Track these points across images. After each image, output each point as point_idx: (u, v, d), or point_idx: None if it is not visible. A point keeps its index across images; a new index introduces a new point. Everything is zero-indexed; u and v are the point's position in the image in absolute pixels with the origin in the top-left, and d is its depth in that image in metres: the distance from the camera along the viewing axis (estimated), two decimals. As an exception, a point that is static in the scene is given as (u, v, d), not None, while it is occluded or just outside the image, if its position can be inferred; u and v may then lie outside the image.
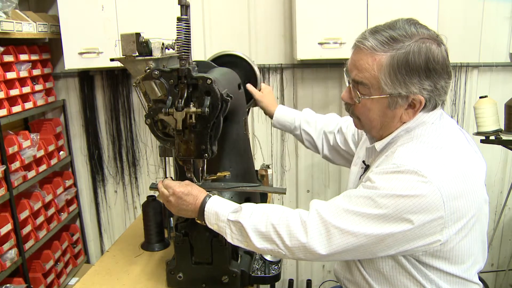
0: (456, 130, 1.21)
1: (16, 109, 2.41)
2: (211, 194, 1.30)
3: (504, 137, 2.28)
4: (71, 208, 2.96)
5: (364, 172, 1.33)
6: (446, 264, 1.14)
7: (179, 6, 1.19)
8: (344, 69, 1.24)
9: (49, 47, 2.79)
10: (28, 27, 2.39)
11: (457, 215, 1.07)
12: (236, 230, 1.22)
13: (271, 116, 1.83)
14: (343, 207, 1.11)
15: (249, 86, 1.79)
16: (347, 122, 1.68)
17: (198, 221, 1.29)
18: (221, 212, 1.24)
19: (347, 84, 1.24)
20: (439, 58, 1.11)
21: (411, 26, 1.12)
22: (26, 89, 2.50)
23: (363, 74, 1.15)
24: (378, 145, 1.23)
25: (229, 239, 1.24)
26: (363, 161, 1.35)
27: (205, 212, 1.25)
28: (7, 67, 2.37)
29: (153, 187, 1.42)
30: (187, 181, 1.32)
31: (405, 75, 1.10)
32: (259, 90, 1.83)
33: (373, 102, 1.17)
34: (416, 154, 1.10)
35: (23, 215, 2.40)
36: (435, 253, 1.12)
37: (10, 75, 2.36)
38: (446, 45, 1.15)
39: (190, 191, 1.28)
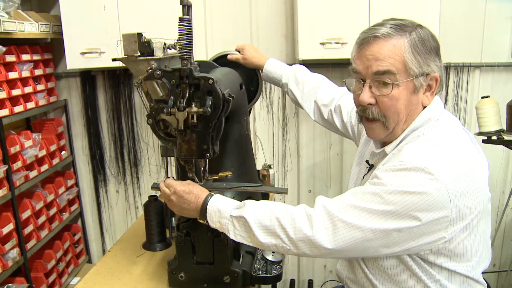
0: (460, 130, 1.22)
1: (18, 109, 2.41)
2: (213, 193, 1.30)
3: (506, 137, 2.27)
4: (72, 208, 2.97)
5: (368, 172, 1.33)
6: (452, 262, 1.14)
7: (181, 6, 1.19)
8: (353, 72, 1.22)
9: (51, 47, 2.79)
10: (30, 27, 2.40)
11: (463, 213, 1.07)
12: (240, 225, 1.22)
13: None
14: (349, 202, 1.11)
15: (230, 56, 1.76)
16: (345, 101, 1.64)
17: (200, 221, 1.29)
18: (224, 209, 1.24)
19: (362, 86, 1.20)
20: (436, 39, 1.19)
21: (402, 19, 1.19)
22: (28, 89, 2.50)
23: (387, 61, 1.14)
24: (389, 148, 1.23)
25: (232, 236, 1.23)
26: (367, 161, 1.35)
27: (207, 210, 1.25)
28: (9, 67, 2.37)
29: (155, 187, 1.42)
30: (188, 180, 1.33)
31: (425, 53, 1.16)
32: (259, 91, 1.83)
33: (400, 89, 1.16)
34: (422, 151, 1.11)
35: (25, 215, 2.40)
36: (440, 251, 1.12)
37: (12, 75, 2.37)
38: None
39: (191, 190, 1.28)
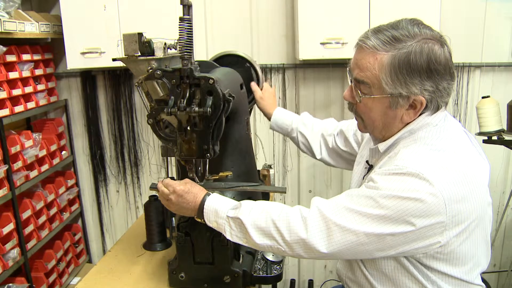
0: (460, 132, 1.20)
1: (19, 108, 2.41)
2: (210, 193, 1.30)
3: (507, 137, 2.27)
4: (73, 208, 2.97)
5: (367, 172, 1.33)
6: (447, 266, 1.14)
7: (181, 6, 1.20)
8: (347, 69, 1.24)
9: (51, 47, 2.79)
10: (31, 27, 2.40)
11: (459, 218, 1.06)
12: (236, 226, 1.22)
13: (269, 118, 1.84)
14: (344, 205, 1.11)
15: (253, 85, 1.81)
16: (347, 123, 1.69)
17: (198, 220, 1.29)
18: (221, 209, 1.24)
19: (350, 83, 1.24)
20: (441, 59, 1.10)
21: (414, 26, 1.12)
22: (29, 89, 2.50)
23: (364, 73, 1.15)
24: (382, 146, 1.23)
25: (228, 236, 1.24)
26: (367, 161, 1.35)
27: (204, 210, 1.26)
28: (10, 67, 2.38)
29: (153, 187, 1.42)
30: (186, 179, 1.33)
31: (406, 75, 1.10)
32: (261, 89, 1.83)
33: (374, 101, 1.17)
34: (419, 156, 1.10)
35: (25, 215, 2.40)
36: (436, 255, 1.12)
37: (13, 75, 2.37)
38: (450, 46, 1.15)
39: (190, 189, 1.28)
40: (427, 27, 1.14)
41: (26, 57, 2.48)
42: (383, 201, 1.06)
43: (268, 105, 1.83)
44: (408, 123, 1.18)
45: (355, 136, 1.63)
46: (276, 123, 1.82)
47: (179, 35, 1.20)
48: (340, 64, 2.62)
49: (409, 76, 1.10)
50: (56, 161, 2.75)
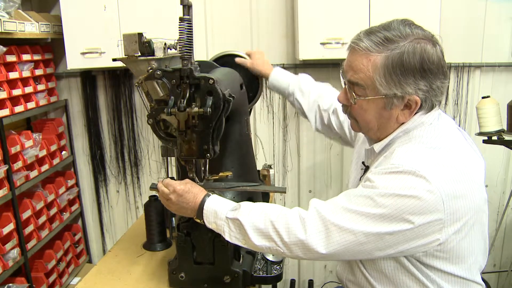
0: (454, 130, 1.21)
1: (19, 109, 2.41)
2: (210, 193, 1.30)
3: (507, 137, 2.27)
4: (73, 208, 2.97)
5: (364, 173, 1.33)
6: (447, 265, 1.14)
7: (182, 6, 1.20)
8: (340, 71, 1.24)
9: (51, 47, 2.79)
10: (31, 27, 2.40)
11: (457, 215, 1.07)
12: (235, 227, 1.22)
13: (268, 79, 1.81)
14: (342, 205, 1.12)
15: (238, 59, 1.78)
16: None
17: (197, 220, 1.29)
18: (220, 210, 1.24)
19: (343, 86, 1.24)
20: (434, 58, 1.11)
21: (405, 27, 1.13)
22: (29, 89, 2.50)
23: (358, 75, 1.15)
24: (377, 146, 1.23)
25: (227, 237, 1.24)
26: (363, 162, 1.35)
27: (203, 211, 1.26)
28: (10, 67, 2.37)
29: (153, 187, 1.42)
30: (186, 180, 1.33)
31: (400, 76, 1.11)
32: (260, 90, 1.83)
33: (369, 103, 1.17)
34: (414, 154, 1.10)
35: (26, 215, 2.40)
36: (435, 253, 1.12)
37: (13, 75, 2.37)
38: (442, 46, 1.15)
39: (190, 189, 1.29)
40: (419, 27, 1.14)
41: (26, 57, 2.48)
42: (381, 200, 1.06)
43: (262, 68, 1.78)
44: (403, 123, 1.18)
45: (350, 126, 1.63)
46: (273, 85, 1.79)
47: (179, 35, 1.20)
48: (340, 64, 2.62)
49: (403, 76, 1.11)
50: (56, 161, 2.75)
